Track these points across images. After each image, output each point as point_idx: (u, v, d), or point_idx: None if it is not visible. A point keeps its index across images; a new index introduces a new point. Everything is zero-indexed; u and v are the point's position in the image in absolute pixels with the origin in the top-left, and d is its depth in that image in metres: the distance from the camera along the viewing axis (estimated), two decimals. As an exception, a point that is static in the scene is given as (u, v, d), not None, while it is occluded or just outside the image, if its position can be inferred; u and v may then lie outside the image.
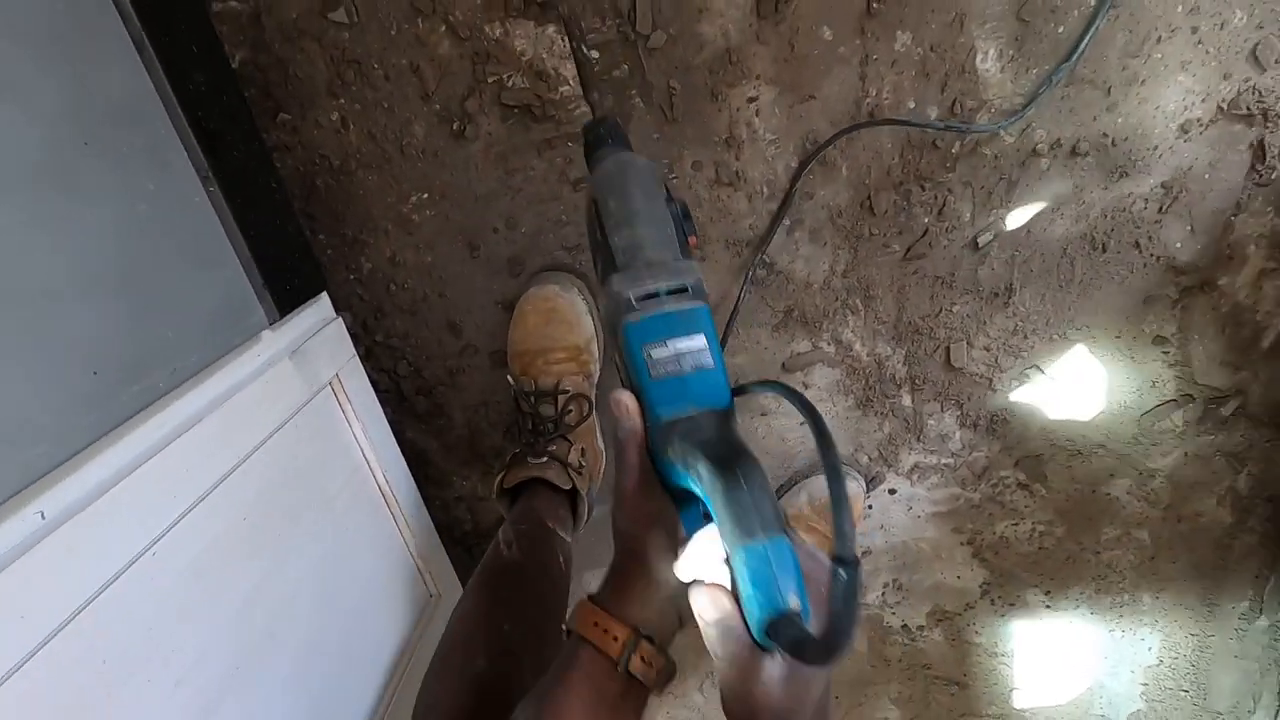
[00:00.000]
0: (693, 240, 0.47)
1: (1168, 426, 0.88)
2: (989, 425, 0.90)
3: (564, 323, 0.81)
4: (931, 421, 0.91)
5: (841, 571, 0.30)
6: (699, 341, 0.41)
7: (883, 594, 1.04)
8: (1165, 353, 0.84)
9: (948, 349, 0.86)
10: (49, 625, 0.42)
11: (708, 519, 0.42)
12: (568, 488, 0.78)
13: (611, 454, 0.87)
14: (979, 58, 0.72)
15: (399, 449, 0.84)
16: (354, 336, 0.81)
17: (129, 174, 0.52)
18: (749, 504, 0.34)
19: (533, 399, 0.80)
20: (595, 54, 0.74)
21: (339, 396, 0.75)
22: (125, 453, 0.49)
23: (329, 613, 0.69)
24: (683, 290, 0.43)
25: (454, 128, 0.79)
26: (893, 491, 0.96)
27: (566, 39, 0.70)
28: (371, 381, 0.83)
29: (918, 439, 0.92)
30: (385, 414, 0.85)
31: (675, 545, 0.40)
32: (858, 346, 0.87)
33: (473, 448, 0.97)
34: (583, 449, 0.81)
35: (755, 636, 0.34)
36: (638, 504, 0.42)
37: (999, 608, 1.03)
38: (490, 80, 0.76)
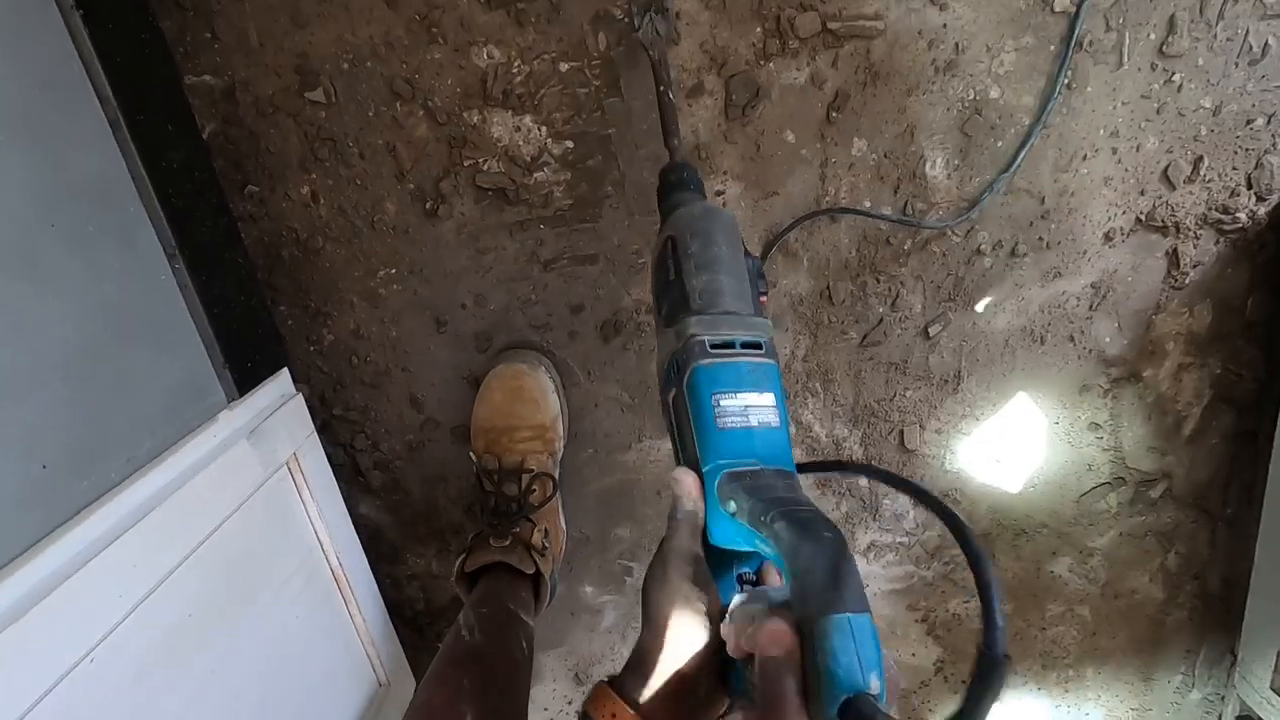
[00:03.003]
0: (764, 299, 0.46)
1: (1103, 507, 0.93)
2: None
3: (530, 401, 0.81)
4: (887, 501, 0.93)
5: (988, 661, 0.29)
6: (768, 399, 0.40)
7: (840, 672, 1.04)
8: (1099, 438, 0.89)
9: (901, 431, 0.89)
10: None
11: (744, 584, 0.42)
12: (531, 572, 0.76)
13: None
14: (928, 165, 0.77)
15: (353, 528, 0.81)
16: (310, 409, 0.79)
17: (94, 254, 0.51)
18: (839, 573, 0.32)
19: (496, 477, 0.79)
20: (570, 143, 0.77)
21: (295, 476, 0.72)
22: (67, 552, 0.46)
23: (276, 707, 0.64)
24: (757, 346, 0.42)
25: (427, 206, 0.79)
26: (850, 569, 0.97)
27: (654, 83, 0.67)
28: (326, 455, 0.80)
29: (874, 518, 0.94)
30: (338, 489, 0.82)
31: (710, 638, 0.38)
32: (817, 428, 0.89)
33: (429, 524, 0.95)
34: (546, 529, 0.80)
35: (824, 715, 0.31)
36: (683, 589, 0.39)
37: (952, 684, 1.05)
38: (466, 164, 0.78)
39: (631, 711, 0.38)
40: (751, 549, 0.38)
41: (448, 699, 0.63)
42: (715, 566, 0.40)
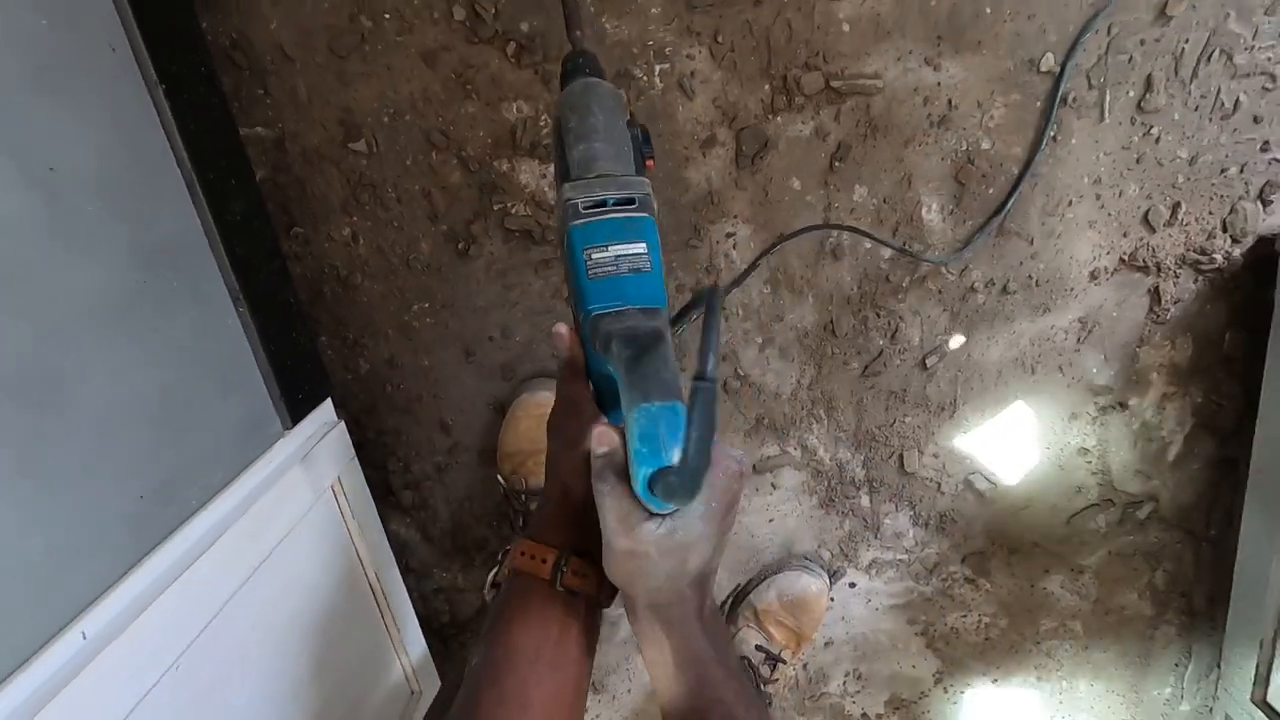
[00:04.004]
0: (649, 163, 0.49)
1: (1093, 528, 0.98)
2: (939, 524, 0.99)
3: None
4: (888, 520, 0.99)
5: (697, 386, 0.32)
6: (639, 248, 0.43)
7: (844, 683, 1.09)
8: (1088, 462, 0.95)
9: (901, 455, 0.95)
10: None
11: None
12: None
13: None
14: (924, 210, 0.83)
15: (388, 545, 0.87)
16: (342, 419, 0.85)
17: (175, 306, 0.57)
18: (649, 372, 0.37)
19: (523, 497, 0.85)
20: (592, 189, 0.83)
21: (339, 498, 0.78)
22: (158, 569, 0.52)
23: (325, 709, 0.70)
24: (630, 202, 0.44)
25: (458, 247, 0.86)
26: (853, 585, 1.03)
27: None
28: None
29: (875, 536, 1.00)
30: (375, 508, 0.88)
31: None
32: (821, 452, 0.95)
33: (455, 540, 1.00)
34: None
35: (639, 491, 0.36)
36: (566, 426, 0.44)
37: (951, 695, 1.10)
38: (495, 208, 0.84)
39: (540, 544, 0.43)
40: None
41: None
42: (611, 408, 0.44)
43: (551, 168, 0.82)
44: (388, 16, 0.77)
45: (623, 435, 0.38)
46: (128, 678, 0.48)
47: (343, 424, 0.81)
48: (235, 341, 0.64)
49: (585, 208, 0.43)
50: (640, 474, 0.35)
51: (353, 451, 0.82)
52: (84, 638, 0.46)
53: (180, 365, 0.57)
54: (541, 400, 0.87)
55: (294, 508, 0.69)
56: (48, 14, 0.48)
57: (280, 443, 0.69)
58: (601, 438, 0.39)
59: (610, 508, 0.37)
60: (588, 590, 0.43)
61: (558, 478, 0.45)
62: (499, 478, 0.88)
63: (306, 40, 0.78)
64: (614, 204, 0.44)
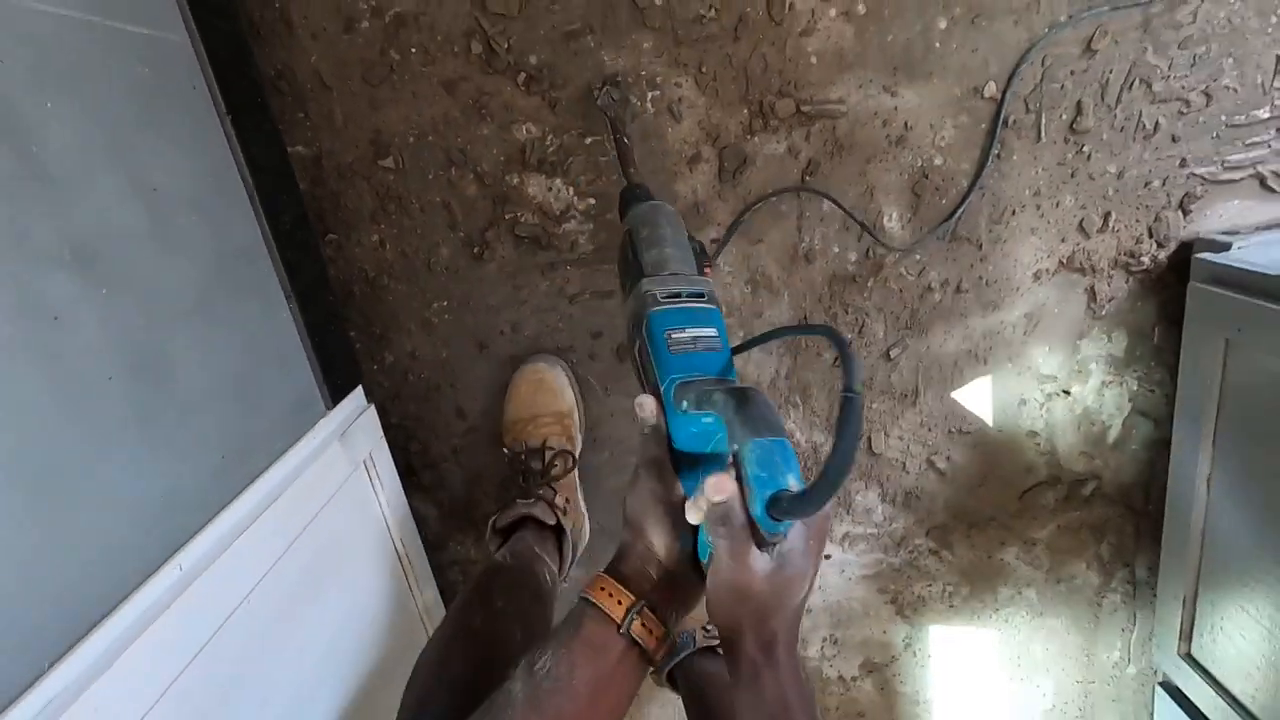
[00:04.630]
0: (708, 270, 0.57)
1: (1043, 504, 1.09)
2: (904, 501, 1.10)
3: (550, 391, 0.96)
4: (859, 498, 1.10)
5: (847, 396, 0.34)
6: (711, 331, 0.48)
7: (821, 648, 1.20)
8: (1037, 444, 1.06)
9: (869, 438, 1.06)
10: (180, 663, 0.55)
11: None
12: (553, 523, 0.88)
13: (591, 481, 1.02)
14: (885, 218, 0.95)
15: (411, 516, 0.98)
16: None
17: (244, 302, 0.68)
18: (757, 411, 0.39)
19: (523, 457, 0.92)
20: (592, 200, 0.95)
21: (369, 472, 0.89)
22: (235, 518, 0.63)
23: (355, 663, 0.81)
24: (700, 295, 0.50)
25: (474, 251, 0.97)
26: (828, 557, 1.13)
27: (612, 136, 0.83)
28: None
29: (848, 512, 1.10)
30: (400, 483, 0.99)
31: (680, 525, 0.44)
32: (798, 435, 1.06)
33: (468, 515, 1.11)
34: (566, 499, 0.93)
35: (757, 515, 0.37)
36: (653, 487, 0.45)
37: (919, 659, 1.20)
38: (507, 217, 0.95)
39: (621, 586, 0.44)
40: (710, 448, 0.46)
41: (488, 620, 0.71)
42: (686, 473, 0.46)
43: (557, 181, 0.94)
44: (414, 50, 0.88)
45: (735, 482, 0.39)
46: (211, 606, 0.59)
47: (372, 408, 0.92)
48: (287, 332, 0.75)
49: (663, 297, 0.50)
50: (760, 496, 0.37)
51: (381, 432, 0.93)
52: (180, 569, 0.57)
53: (248, 351, 0.68)
54: (537, 368, 0.96)
55: (335, 476, 0.80)
56: (148, 63, 0.60)
57: (323, 420, 0.79)
58: (719, 486, 0.39)
59: (724, 545, 0.39)
60: (648, 645, 0.43)
61: (641, 535, 0.45)
62: (504, 448, 0.96)
63: (342, 70, 0.90)
64: (687, 295, 0.50)
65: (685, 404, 0.45)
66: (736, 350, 0.50)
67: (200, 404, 0.59)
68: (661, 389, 0.48)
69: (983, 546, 1.12)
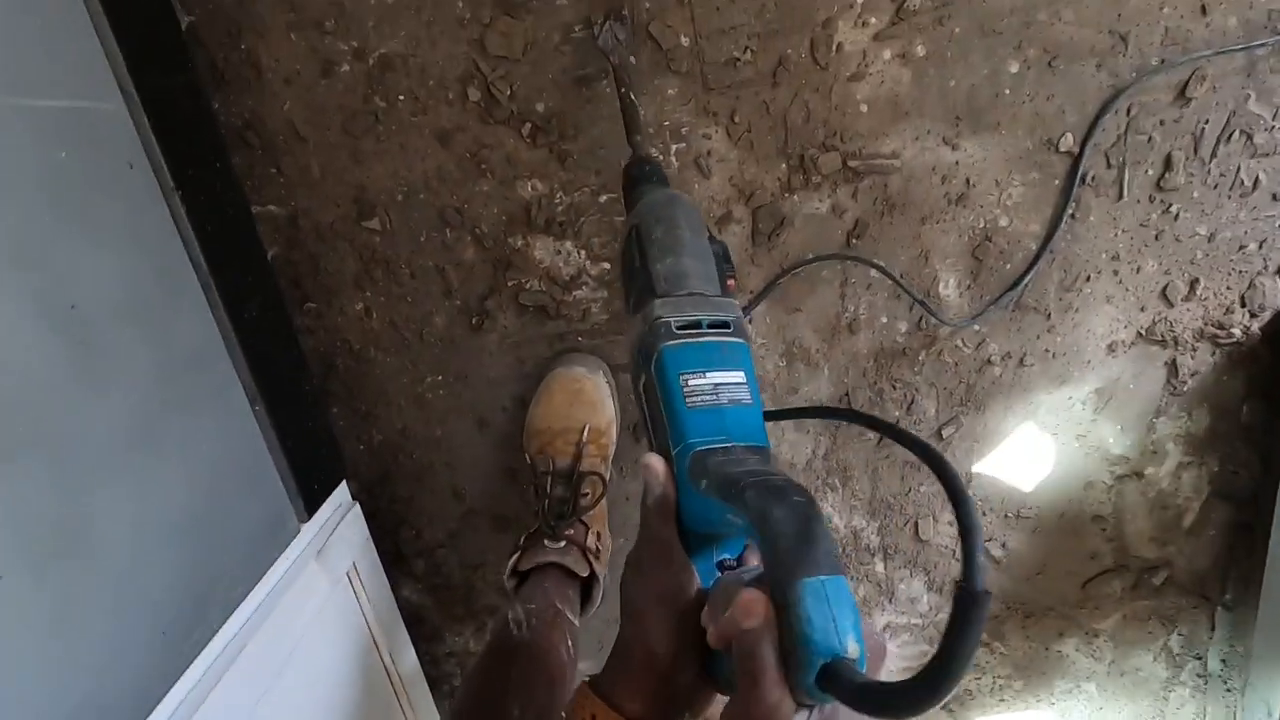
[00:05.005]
0: (731, 283, 0.46)
1: (1108, 592, 0.98)
2: (952, 590, 0.98)
3: (589, 404, 0.81)
4: (902, 586, 0.98)
5: (967, 596, 0.27)
6: (738, 376, 0.40)
7: (857, 742, 1.09)
8: (1103, 529, 0.94)
9: (916, 523, 0.94)
10: None
11: (725, 570, 0.40)
12: (585, 574, 0.77)
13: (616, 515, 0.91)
14: (941, 285, 0.83)
15: (403, 625, 0.87)
16: (358, 502, 0.84)
17: (197, 418, 0.56)
18: (809, 537, 0.31)
19: (549, 480, 0.79)
20: (606, 265, 0.83)
21: (354, 584, 0.78)
22: (179, 698, 0.51)
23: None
24: (725, 325, 0.41)
25: (472, 321, 0.85)
26: (867, 648, 1.02)
27: (615, 87, 0.69)
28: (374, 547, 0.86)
29: (890, 601, 0.99)
30: (389, 587, 0.87)
31: (690, 627, 0.37)
32: (836, 519, 0.94)
33: (468, 606, 1.00)
34: (598, 533, 0.81)
35: (803, 682, 0.29)
36: (658, 577, 0.38)
37: (964, 753, 1.09)
38: (509, 284, 0.83)
39: (610, 710, 0.37)
40: (725, 528, 0.37)
41: (496, 694, 0.64)
42: (695, 553, 0.39)
43: (567, 244, 0.82)
44: (402, 97, 0.77)
45: (770, 603, 0.31)
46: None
47: (357, 506, 0.81)
48: (253, 442, 0.64)
49: (679, 328, 0.40)
50: (812, 664, 0.29)
51: (367, 532, 0.82)
52: (108, 782, 0.45)
53: (203, 479, 0.56)
54: (576, 375, 0.82)
55: (313, 602, 0.69)
56: (68, 145, 0.48)
57: (296, 540, 0.68)
58: (751, 608, 0.31)
59: (759, 702, 0.30)
60: None
61: (640, 633, 0.38)
62: (525, 456, 0.83)
63: (319, 119, 0.78)
64: (708, 326, 0.41)
65: (703, 483, 0.36)
66: (779, 416, 0.42)
67: (135, 571, 0.48)
68: (674, 453, 0.39)
69: (1039, 638, 1.01)
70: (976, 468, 0.91)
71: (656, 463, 0.40)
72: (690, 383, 0.39)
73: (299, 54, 0.75)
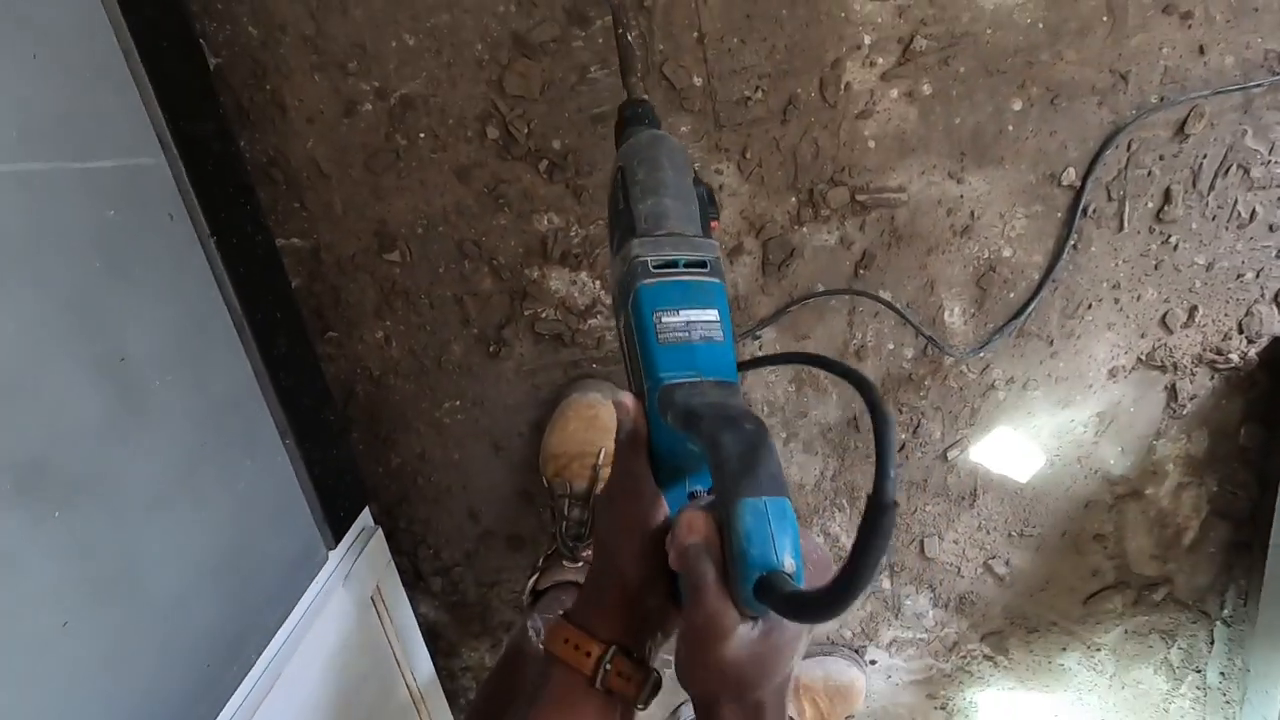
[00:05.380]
0: (714, 224, 0.46)
1: (1109, 608, 1.00)
2: (958, 605, 1.01)
3: (604, 429, 0.84)
4: (908, 602, 1.01)
5: (875, 508, 0.29)
6: (711, 315, 0.41)
7: (863, 753, 1.11)
8: (1104, 547, 0.97)
9: (922, 542, 0.97)
10: None
11: (693, 500, 0.41)
12: None
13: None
14: (947, 313, 0.85)
15: (424, 643, 0.89)
16: (378, 523, 0.87)
17: (233, 461, 0.59)
18: (753, 460, 0.32)
19: (566, 502, 0.82)
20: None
21: (378, 607, 0.80)
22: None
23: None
24: (701, 265, 0.42)
25: (490, 349, 0.87)
26: (873, 662, 1.05)
27: (613, 28, 0.64)
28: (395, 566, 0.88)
29: (896, 617, 1.02)
30: (410, 607, 0.90)
31: (658, 553, 0.38)
32: (844, 539, 0.97)
33: (484, 622, 1.02)
34: None
35: (741, 594, 0.32)
36: (625, 506, 0.40)
37: (968, 764, 1.12)
38: (526, 313, 0.86)
39: (585, 634, 0.39)
40: (689, 460, 0.39)
41: (507, 699, 0.66)
42: (667, 485, 0.40)
43: (582, 274, 0.84)
44: (422, 136, 0.79)
45: (712, 521, 0.34)
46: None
47: (379, 530, 0.83)
48: (284, 476, 0.66)
49: (656, 266, 0.41)
50: (748, 576, 0.31)
51: (389, 555, 0.84)
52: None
53: (240, 515, 0.58)
54: (592, 401, 0.85)
55: (340, 626, 0.71)
56: (115, 203, 0.50)
57: (325, 568, 0.70)
58: (692, 525, 0.34)
59: (699, 610, 0.33)
60: (629, 693, 0.39)
61: (612, 562, 0.40)
62: (543, 479, 0.86)
63: (342, 156, 0.80)
64: (685, 265, 0.41)
65: (671, 414, 0.38)
66: (747, 366, 0.43)
67: (180, 607, 0.50)
68: (645, 388, 0.40)
69: (1042, 651, 1.03)
70: (980, 488, 0.93)
71: (628, 399, 0.41)
72: (663, 319, 0.40)
73: (322, 94, 0.77)
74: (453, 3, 0.74)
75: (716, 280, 0.42)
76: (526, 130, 0.78)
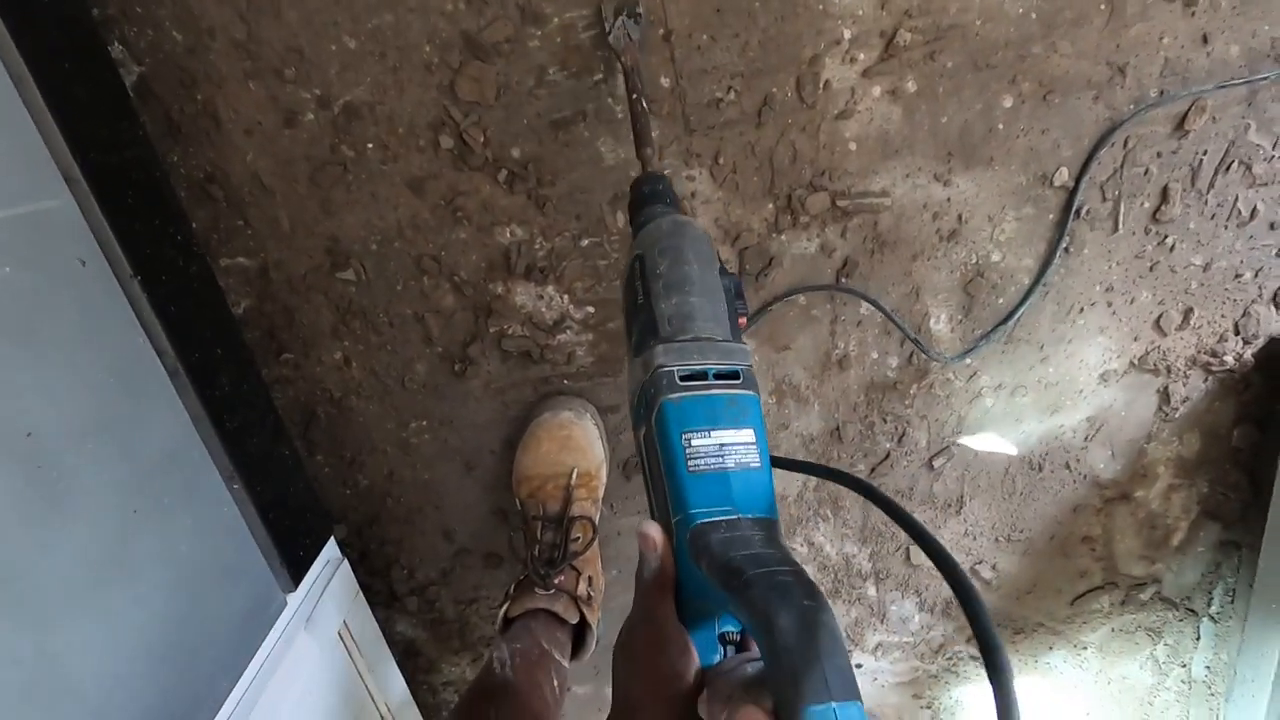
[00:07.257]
0: (742, 320, 0.43)
1: (1096, 608, 0.99)
2: (944, 609, 0.99)
3: (577, 449, 0.81)
4: (894, 607, 0.99)
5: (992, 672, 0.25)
6: (747, 435, 0.36)
7: (850, 751, 1.11)
8: (1092, 549, 0.95)
9: (908, 550, 0.95)
10: None
11: (727, 645, 0.37)
12: (575, 621, 0.76)
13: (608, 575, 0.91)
14: (933, 320, 0.81)
15: (396, 665, 0.87)
16: (348, 544, 0.84)
17: (171, 522, 0.55)
18: (816, 651, 0.27)
19: (539, 525, 0.79)
20: (591, 309, 0.81)
21: (346, 643, 0.77)
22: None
23: None
24: (734, 375, 0.38)
25: (455, 368, 0.83)
26: (859, 666, 1.04)
27: (626, 91, 0.64)
28: (364, 585, 0.86)
29: (881, 622, 1.00)
30: (376, 615, 0.87)
31: (687, 715, 0.33)
32: (828, 548, 0.95)
33: (463, 639, 1.00)
34: (590, 577, 0.80)
35: None
36: (653, 664, 0.34)
37: (955, 758, 1.12)
38: (491, 330, 0.81)
39: None
40: (726, 616, 0.35)
41: None
42: (694, 623, 0.36)
43: (549, 288, 0.80)
44: (370, 146, 0.73)
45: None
46: None
47: (346, 562, 0.80)
48: (232, 526, 0.62)
49: (682, 378, 0.36)
50: None
51: (356, 585, 0.81)
52: None
53: (180, 583, 0.55)
54: (564, 421, 0.81)
55: (305, 670, 0.68)
56: (11, 258, 0.45)
57: (284, 613, 0.67)
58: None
59: None
60: None
61: None
62: (516, 501, 0.82)
63: (285, 170, 0.74)
64: (715, 376, 0.37)
65: (706, 565, 0.33)
66: (782, 464, 0.38)
67: (112, 701, 0.47)
68: (673, 521, 0.36)
69: (1028, 651, 1.03)
70: (967, 494, 0.91)
71: (654, 532, 0.36)
72: (694, 443, 0.35)
73: (259, 103, 0.71)
74: (396, 1, 0.67)
75: (751, 393, 0.37)
76: (483, 138, 0.72)
